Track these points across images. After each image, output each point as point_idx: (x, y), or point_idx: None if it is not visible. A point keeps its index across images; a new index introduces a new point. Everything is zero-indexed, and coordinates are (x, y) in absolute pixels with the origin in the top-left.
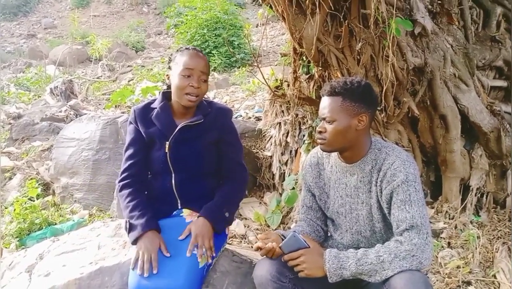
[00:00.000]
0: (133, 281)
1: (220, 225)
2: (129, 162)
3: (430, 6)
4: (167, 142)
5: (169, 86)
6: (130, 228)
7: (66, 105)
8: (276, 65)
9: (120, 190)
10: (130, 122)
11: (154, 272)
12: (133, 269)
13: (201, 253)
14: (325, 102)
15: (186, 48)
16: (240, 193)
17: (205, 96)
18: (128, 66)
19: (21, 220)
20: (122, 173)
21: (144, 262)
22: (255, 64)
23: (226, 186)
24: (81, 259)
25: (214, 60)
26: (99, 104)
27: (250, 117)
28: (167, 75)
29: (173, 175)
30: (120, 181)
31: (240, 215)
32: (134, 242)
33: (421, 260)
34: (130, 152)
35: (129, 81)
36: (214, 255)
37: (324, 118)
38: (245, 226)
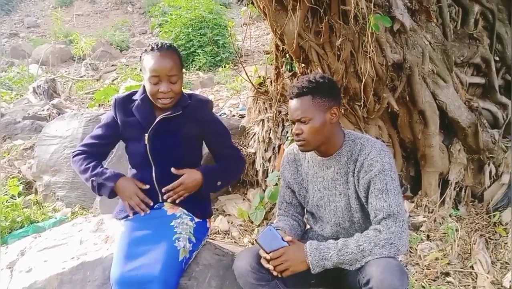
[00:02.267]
0: (115, 273)
1: (208, 188)
2: (91, 141)
3: (409, 4)
4: (146, 135)
5: None
6: (99, 186)
7: (48, 104)
8: (261, 64)
9: (73, 157)
10: (110, 110)
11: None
12: (126, 218)
13: (170, 195)
14: (296, 104)
15: (151, 49)
16: (236, 171)
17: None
18: (112, 65)
19: (3, 218)
20: (80, 146)
21: (139, 204)
22: (239, 62)
23: (224, 161)
24: (63, 254)
25: (199, 59)
26: (83, 103)
27: (234, 115)
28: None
29: (153, 168)
30: (74, 152)
31: (224, 211)
32: (111, 194)
33: (398, 247)
34: (97, 132)
35: (113, 80)
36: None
37: (299, 120)
38: (228, 222)
